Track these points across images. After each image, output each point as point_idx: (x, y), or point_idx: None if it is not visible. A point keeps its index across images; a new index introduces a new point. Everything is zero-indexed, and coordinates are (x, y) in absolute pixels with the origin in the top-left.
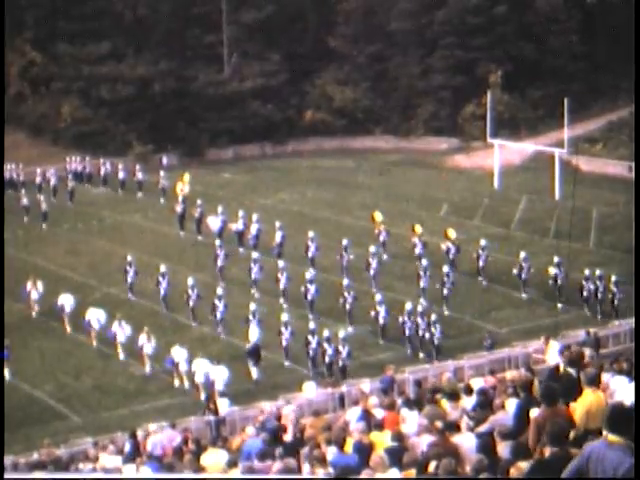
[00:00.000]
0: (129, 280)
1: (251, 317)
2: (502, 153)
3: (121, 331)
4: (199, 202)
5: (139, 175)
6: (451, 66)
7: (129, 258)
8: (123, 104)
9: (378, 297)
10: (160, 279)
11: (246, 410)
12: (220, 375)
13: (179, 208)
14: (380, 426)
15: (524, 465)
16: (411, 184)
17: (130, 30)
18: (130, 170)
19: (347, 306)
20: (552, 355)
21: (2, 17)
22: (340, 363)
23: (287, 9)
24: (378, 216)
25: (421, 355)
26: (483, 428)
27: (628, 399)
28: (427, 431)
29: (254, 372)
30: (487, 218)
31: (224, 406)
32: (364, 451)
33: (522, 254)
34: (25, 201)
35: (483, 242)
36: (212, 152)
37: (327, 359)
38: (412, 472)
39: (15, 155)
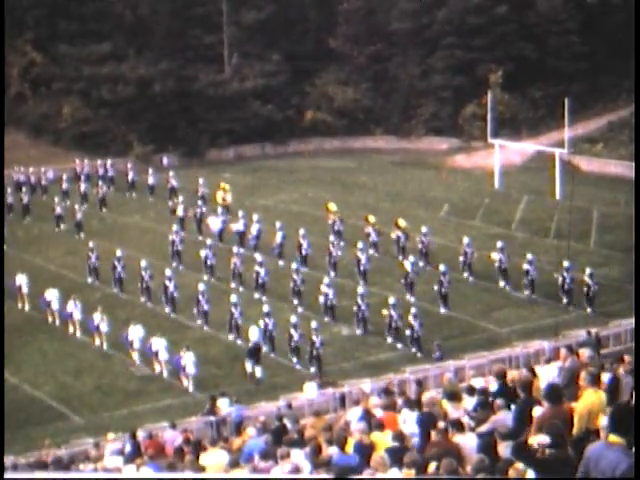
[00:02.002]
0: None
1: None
2: (503, 153)
3: (76, 310)
4: (199, 202)
5: (149, 177)
6: (451, 66)
7: (143, 263)
8: (124, 104)
9: (326, 280)
10: (148, 277)
11: (247, 410)
12: (189, 359)
13: (223, 219)
14: (381, 426)
15: (523, 465)
16: (412, 184)
17: (131, 30)
18: (131, 170)
19: (295, 288)
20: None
21: (2, 18)
22: (314, 352)
23: (287, 9)
24: (332, 206)
25: (389, 340)
26: (484, 428)
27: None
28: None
29: (257, 371)
30: (488, 218)
31: (225, 406)
32: (365, 451)
33: (465, 239)
34: (59, 210)
35: (424, 229)
36: (213, 152)
37: (292, 344)
38: (412, 472)
39: (15, 156)
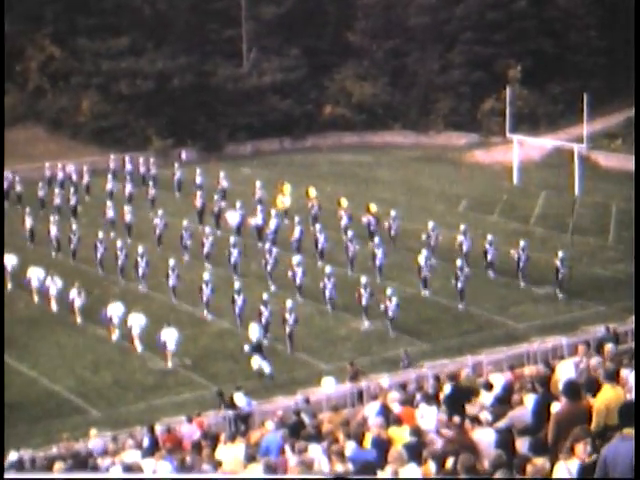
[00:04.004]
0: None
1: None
2: (521, 148)
3: (54, 285)
4: (216, 197)
5: (175, 171)
6: (470, 61)
7: (171, 261)
8: (142, 99)
9: (296, 259)
10: (170, 273)
11: (264, 405)
12: (171, 336)
13: (241, 214)
14: (399, 421)
15: (541, 461)
16: (430, 179)
17: (149, 25)
18: (178, 170)
19: (297, 280)
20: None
21: (2, 12)
22: (287, 330)
23: (306, 4)
24: (312, 192)
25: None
26: (502, 423)
27: None
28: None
29: (265, 367)
30: (506, 213)
31: (241, 400)
32: (382, 446)
33: (430, 224)
34: (111, 213)
35: (393, 212)
36: (231, 147)
37: (263, 320)
38: (430, 466)
39: (34, 150)
